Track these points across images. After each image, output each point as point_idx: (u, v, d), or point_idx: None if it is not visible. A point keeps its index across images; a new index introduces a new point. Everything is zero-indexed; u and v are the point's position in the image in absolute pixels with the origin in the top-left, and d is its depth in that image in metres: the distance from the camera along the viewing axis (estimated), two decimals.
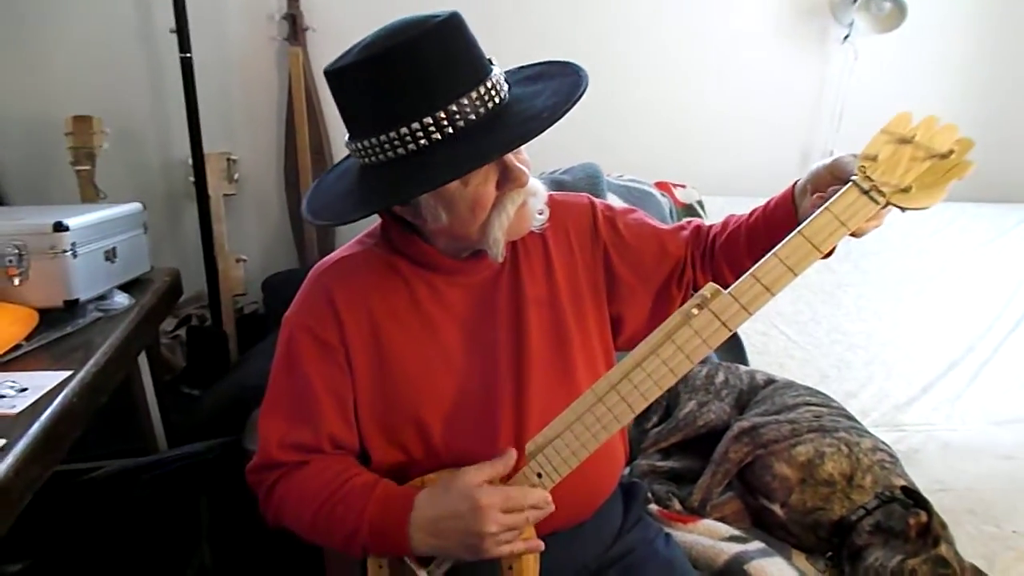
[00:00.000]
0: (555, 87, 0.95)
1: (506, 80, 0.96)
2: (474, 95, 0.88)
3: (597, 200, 1.15)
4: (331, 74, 0.92)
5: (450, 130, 0.88)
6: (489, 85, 0.90)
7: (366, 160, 0.94)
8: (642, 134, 2.37)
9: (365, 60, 0.88)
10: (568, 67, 0.99)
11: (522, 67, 1.04)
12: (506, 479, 0.97)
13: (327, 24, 2.20)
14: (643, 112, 2.37)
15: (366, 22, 2.31)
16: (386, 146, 0.90)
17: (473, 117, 0.88)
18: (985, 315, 2.12)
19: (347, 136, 0.96)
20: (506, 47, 2.30)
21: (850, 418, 1.52)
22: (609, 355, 1.13)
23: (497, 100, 0.91)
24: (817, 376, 1.96)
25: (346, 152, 1.01)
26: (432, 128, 0.87)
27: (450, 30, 0.89)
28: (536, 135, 0.88)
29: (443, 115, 0.87)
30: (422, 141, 0.88)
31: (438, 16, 0.89)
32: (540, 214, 1.02)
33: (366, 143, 0.91)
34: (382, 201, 0.96)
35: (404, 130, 0.87)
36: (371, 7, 2.18)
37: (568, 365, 1.06)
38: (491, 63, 0.94)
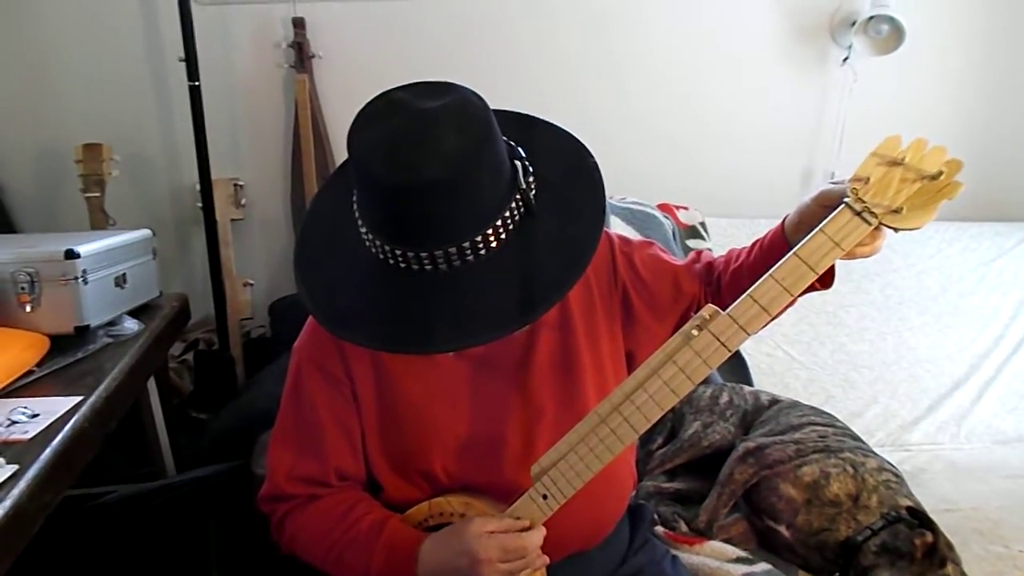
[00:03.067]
0: (576, 209, 0.93)
1: (533, 176, 0.92)
2: (490, 230, 0.87)
3: (613, 233, 1.13)
4: (356, 170, 0.89)
5: (458, 263, 0.86)
6: (511, 209, 0.88)
7: (374, 252, 0.91)
8: (644, 156, 2.38)
9: (394, 189, 0.84)
10: (597, 192, 0.95)
11: (548, 129, 1.01)
12: (511, 500, 0.98)
13: (333, 52, 2.23)
14: (645, 134, 2.39)
15: (371, 50, 2.36)
16: (400, 258, 0.88)
17: (482, 252, 0.87)
18: (989, 334, 2.12)
19: (359, 211, 0.93)
20: (510, 66, 2.33)
21: (855, 438, 1.52)
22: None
23: (516, 222, 0.89)
24: (822, 396, 1.97)
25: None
26: (441, 259, 0.86)
27: (484, 155, 0.86)
28: (541, 314, 0.89)
29: (455, 250, 0.85)
30: (428, 267, 0.87)
31: (474, 135, 0.85)
32: None
33: (378, 243, 0.89)
34: (385, 344, 0.92)
35: (424, 255, 0.86)
36: (375, 35, 2.23)
37: (578, 390, 1.06)
38: (514, 160, 0.91)
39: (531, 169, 0.93)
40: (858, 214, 0.81)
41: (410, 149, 0.84)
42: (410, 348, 0.93)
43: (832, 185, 0.89)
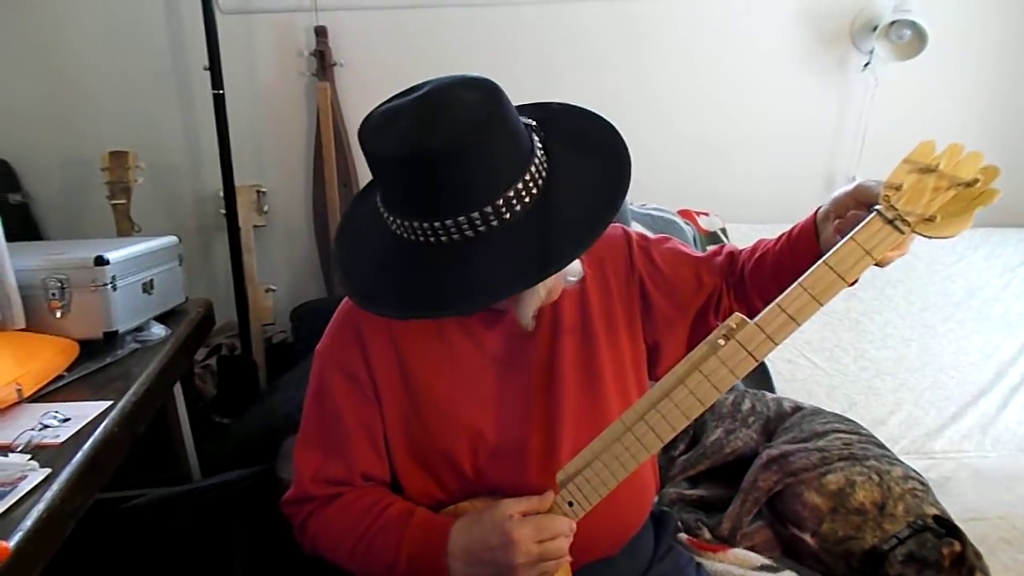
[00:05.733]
0: (596, 181, 0.92)
1: (546, 141, 0.93)
2: (511, 194, 0.86)
3: (631, 230, 1.13)
4: (369, 155, 0.90)
5: (482, 229, 0.86)
6: (528, 177, 0.88)
7: (398, 232, 0.92)
8: (665, 162, 2.38)
9: (404, 160, 0.85)
10: (614, 142, 0.95)
11: (568, 109, 1.01)
12: None
13: (354, 59, 2.25)
14: (666, 140, 2.39)
15: (392, 58, 2.37)
16: (419, 232, 0.88)
17: (507, 217, 0.87)
18: (1014, 341, 2.09)
19: (379, 198, 0.94)
20: (533, 73, 2.33)
21: (880, 446, 1.51)
22: (643, 386, 1.12)
23: (535, 192, 0.89)
24: (845, 403, 1.95)
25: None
26: (465, 226, 0.86)
27: (493, 123, 0.86)
28: (571, 260, 0.88)
29: (477, 216, 0.85)
30: (455, 236, 0.86)
31: (481, 104, 0.85)
32: (572, 277, 1.00)
33: (399, 221, 0.90)
34: (416, 311, 0.94)
35: (437, 224, 0.86)
36: (397, 43, 2.25)
37: (600, 394, 1.06)
38: (531, 132, 0.91)
39: (548, 142, 0.93)
40: (890, 222, 0.80)
41: (417, 120, 0.85)
42: (424, 312, 0.95)
43: (871, 182, 0.87)
